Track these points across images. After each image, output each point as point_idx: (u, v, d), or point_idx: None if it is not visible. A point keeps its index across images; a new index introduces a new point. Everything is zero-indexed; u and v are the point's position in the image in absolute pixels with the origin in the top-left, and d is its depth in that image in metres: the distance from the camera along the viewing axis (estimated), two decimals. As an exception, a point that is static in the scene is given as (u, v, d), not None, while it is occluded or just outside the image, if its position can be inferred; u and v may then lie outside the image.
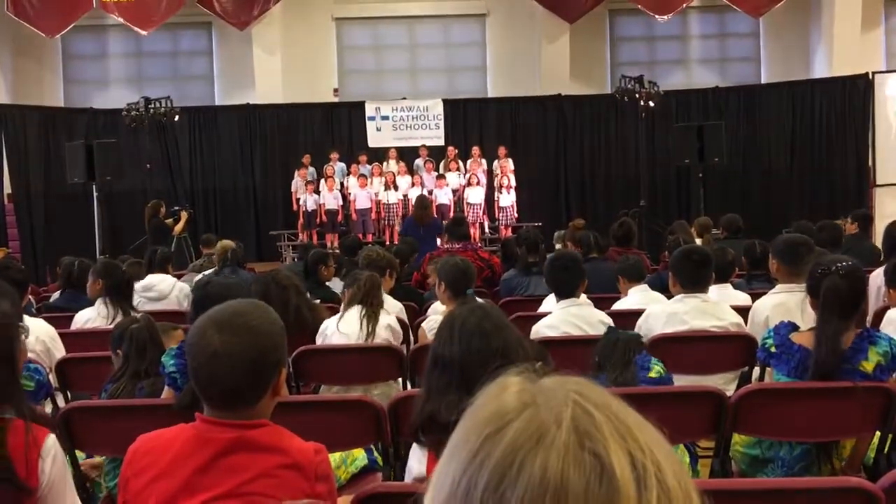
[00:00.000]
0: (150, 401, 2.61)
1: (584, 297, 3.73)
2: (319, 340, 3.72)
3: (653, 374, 2.64)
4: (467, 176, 12.95)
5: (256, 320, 1.57)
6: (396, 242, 9.55)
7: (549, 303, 4.28)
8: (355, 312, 3.67)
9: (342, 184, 13.18)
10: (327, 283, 5.28)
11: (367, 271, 4.45)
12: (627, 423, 0.54)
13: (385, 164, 13.39)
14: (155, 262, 5.84)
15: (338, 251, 10.41)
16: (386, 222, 12.74)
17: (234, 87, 14.56)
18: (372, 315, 3.64)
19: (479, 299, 3.68)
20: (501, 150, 13.36)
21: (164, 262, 5.93)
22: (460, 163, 13.32)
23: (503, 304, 4.89)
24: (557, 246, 7.70)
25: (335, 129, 14.69)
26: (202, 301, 2.84)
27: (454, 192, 12.96)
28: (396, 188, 12.76)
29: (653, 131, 14.08)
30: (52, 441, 1.71)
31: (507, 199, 12.83)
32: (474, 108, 14.69)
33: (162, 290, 5.64)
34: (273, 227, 13.80)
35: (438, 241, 10.25)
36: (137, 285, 5.51)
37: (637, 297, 4.31)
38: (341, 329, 3.63)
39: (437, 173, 13.09)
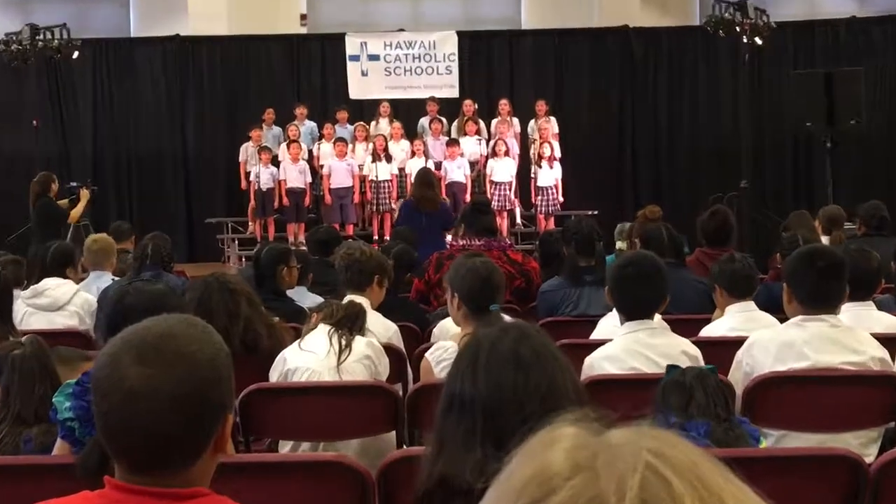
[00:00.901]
0: (41, 458, 2.63)
1: (658, 318, 3.73)
2: (274, 377, 3.74)
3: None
4: (492, 143, 12.98)
5: (193, 345, 1.58)
6: (389, 237, 9.57)
7: (607, 325, 4.27)
8: (324, 330, 3.70)
9: (311, 152, 13.26)
10: (288, 293, 5.30)
11: (348, 279, 4.48)
12: (721, 495, 0.54)
13: (374, 124, 13.45)
14: (50, 262, 5.86)
15: (304, 248, 10.45)
16: (374, 207, 12.80)
17: (157, 12, 14.67)
18: (345, 339, 3.67)
19: (507, 318, 3.69)
20: (541, 106, 13.38)
21: (63, 261, 5.94)
22: (481, 123, 13.37)
23: (542, 326, 4.90)
24: (620, 245, 7.70)
25: (301, 74, 14.78)
26: (116, 317, 2.85)
27: (472, 164, 13.01)
28: (389, 159, 12.81)
29: (759, 81, 14.08)
30: None
31: (549, 175, 12.85)
32: (502, 46, 14.75)
33: (56, 297, 5.67)
34: (212, 212, 13.90)
35: (449, 235, 10.30)
36: (21, 293, 5.53)
37: (736, 318, 4.30)
38: (305, 346, 3.66)
39: (447, 138, 13.13)
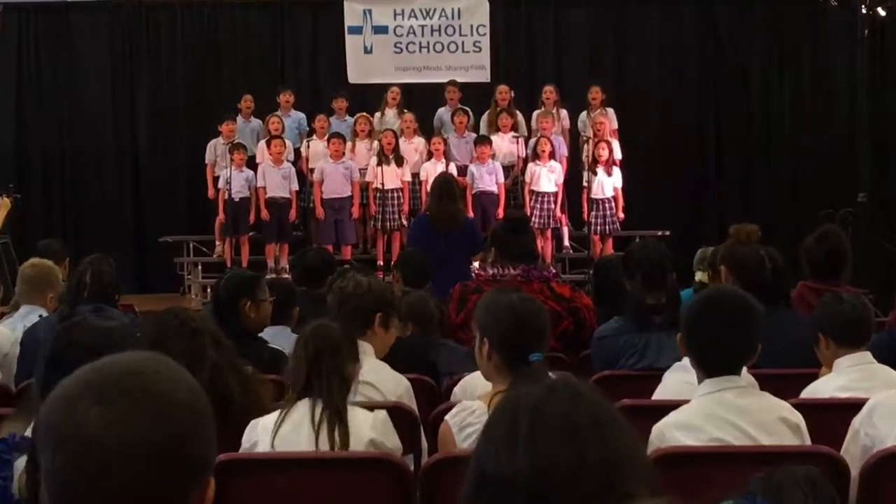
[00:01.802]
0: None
1: (745, 373, 3.72)
2: (246, 445, 3.74)
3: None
4: (533, 141, 13.02)
5: (165, 384, 1.60)
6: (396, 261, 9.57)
7: (676, 380, 4.26)
8: (304, 411, 3.68)
9: (298, 151, 13.34)
10: (259, 335, 5.32)
11: (342, 320, 4.47)
12: None
13: (379, 116, 13.53)
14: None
15: (287, 275, 10.43)
16: (379, 224, 12.85)
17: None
18: (336, 418, 3.64)
19: (553, 376, 3.68)
20: (596, 93, 13.44)
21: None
22: (519, 116, 13.42)
23: (597, 381, 4.89)
24: (700, 276, 7.67)
25: (287, 51, 14.90)
26: (62, 355, 2.89)
27: (507, 169, 13.05)
28: (400, 161, 12.86)
29: (883, 64, 14.04)
30: None
31: (607, 184, 12.87)
32: (547, 18, 14.84)
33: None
34: (169, 228, 14.00)
35: (476, 261, 10.24)
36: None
37: (849, 375, 4.28)
38: (279, 444, 3.62)
39: (475, 135, 13.18)
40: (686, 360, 4.45)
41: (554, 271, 6.96)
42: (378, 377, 4.36)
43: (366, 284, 4.70)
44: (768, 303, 5.33)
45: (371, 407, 3.85)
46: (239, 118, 13.52)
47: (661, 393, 4.39)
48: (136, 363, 1.63)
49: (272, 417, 3.70)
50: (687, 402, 3.70)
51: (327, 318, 4.15)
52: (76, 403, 1.56)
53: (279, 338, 5.38)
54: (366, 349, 4.34)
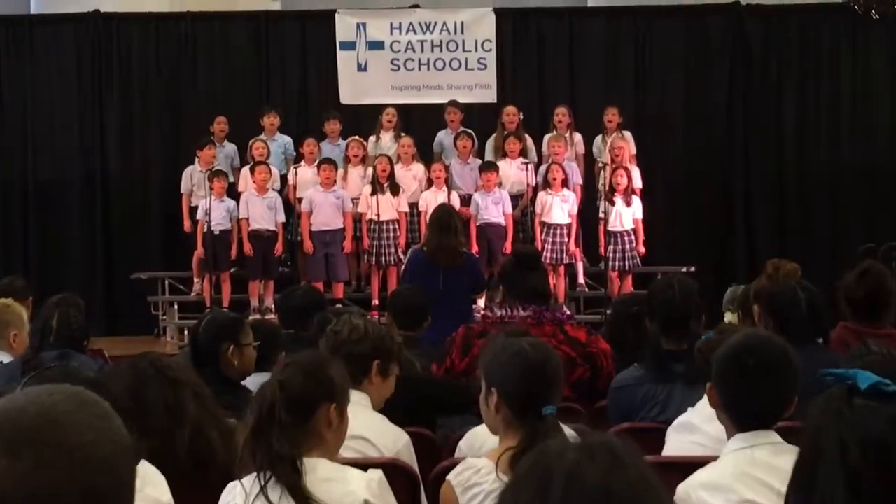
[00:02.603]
0: None
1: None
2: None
3: None
4: (544, 168, 13.06)
5: (86, 434, 1.60)
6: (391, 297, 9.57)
7: (702, 432, 4.27)
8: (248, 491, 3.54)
9: (285, 179, 13.38)
10: (242, 383, 5.33)
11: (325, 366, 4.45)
12: None
13: (374, 140, 13.58)
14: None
15: (273, 316, 10.39)
16: (373, 258, 12.88)
17: (69, -20, 14.86)
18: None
19: (567, 429, 3.69)
20: (613, 116, 13.49)
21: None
22: (529, 141, 13.47)
23: (615, 435, 4.88)
24: (730, 318, 7.67)
25: (273, 69, 14.91)
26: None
27: (515, 198, 13.10)
28: (396, 190, 12.91)
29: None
30: None
31: (626, 215, 12.89)
32: (560, 30, 14.88)
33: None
34: (142, 263, 14.01)
35: (480, 300, 10.23)
36: None
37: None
38: None
39: (479, 161, 13.23)
40: (689, 416, 4.46)
41: (568, 312, 6.94)
42: (374, 431, 4.36)
43: (362, 329, 4.69)
44: (805, 342, 5.35)
45: (365, 465, 3.82)
46: (216, 142, 13.54)
47: (688, 443, 4.38)
48: (55, 408, 1.60)
49: (250, 482, 3.53)
50: (715, 458, 3.71)
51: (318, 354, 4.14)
52: None
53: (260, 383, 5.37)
54: (361, 400, 4.35)
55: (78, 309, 6.51)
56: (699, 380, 4.11)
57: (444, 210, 9.76)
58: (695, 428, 3.83)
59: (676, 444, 4.36)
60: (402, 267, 11.86)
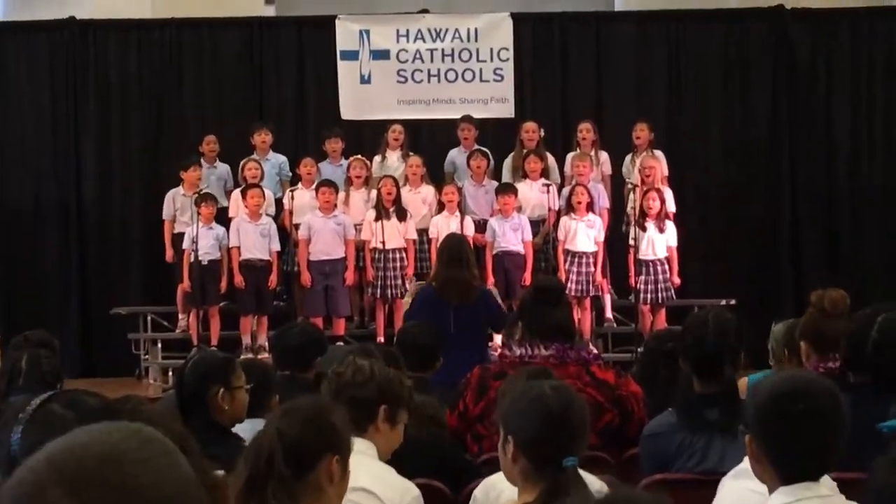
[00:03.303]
0: None
1: (827, 479, 3.70)
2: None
3: None
4: (567, 190, 13.06)
5: (149, 475, 1.63)
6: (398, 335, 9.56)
7: (739, 488, 4.24)
8: None
9: (280, 203, 13.41)
10: (237, 429, 5.33)
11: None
12: None
13: (380, 158, 13.61)
14: None
15: (266, 355, 10.34)
16: (378, 290, 12.87)
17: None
18: None
19: (595, 480, 3.66)
20: (643, 133, 13.51)
21: None
22: (551, 160, 13.49)
23: (648, 487, 4.88)
24: (774, 367, 7.64)
25: (266, 80, 14.94)
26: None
27: (536, 224, 13.10)
28: (403, 215, 12.92)
29: None
30: None
31: (659, 242, 12.87)
32: (585, 36, 14.92)
33: None
34: (121, 298, 14.03)
35: (497, 336, 10.17)
36: None
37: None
38: None
39: (496, 183, 13.25)
40: (747, 463, 4.44)
41: (595, 352, 6.97)
42: (380, 484, 4.34)
43: (368, 371, 4.68)
44: (863, 387, 5.33)
45: (370, 523, 3.82)
46: (204, 162, 13.56)
47: (727, 497, 4.36)
48: (118, 446, 1.64)
49: None
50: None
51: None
52: (46, 491, 1.57)
53: (254, 433, 5.37)
54: (367, 449, 4.34)
55: (50, 348, 6.50)
56: (734, 427, 4.09)
57: (453, 240, 9.74)
58: (751, 474, 3.82)
59: (732, 491, 4.32)
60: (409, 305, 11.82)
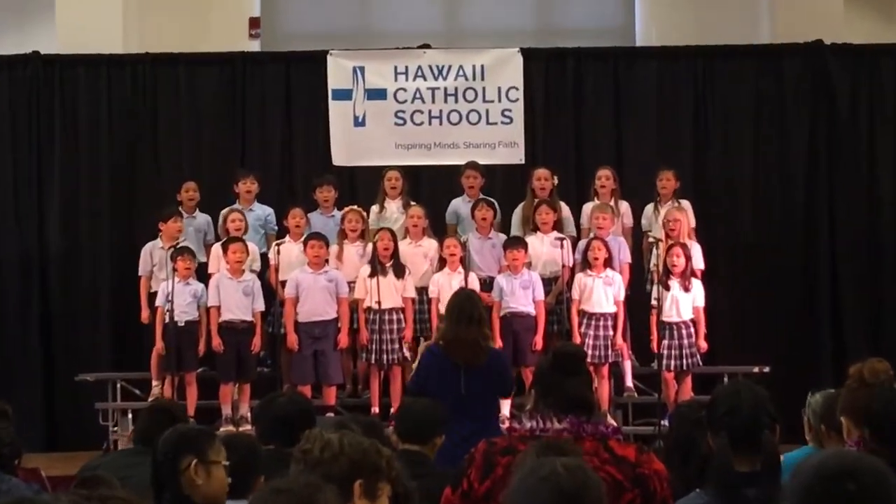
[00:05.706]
0: None
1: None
2: None
3: None
4: (583, 244, 13.07)
5: None
6: (396, 411, 9.56)
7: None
8: None
9: (265, 258, 13.42)
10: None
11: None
12: None
13: (378, 209, 13.64)
14: None
15: (249, 427, 10.32)
16: (373, 355, 12.85)
17: (8, 19, 15.07)
18: None
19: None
20: (668, 181, 13.55)
21: None
22: (565, 210, 13.54)
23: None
24: (811, 442, 7.64)
25: (249, 121, 15.00)
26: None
27: (549, 281, 13.12)
28: (401, 272, 12.92)
29: None
30: None
31: (684, 302, 12.86)
32: (603, 74, 14.97)
33: None
34: (88, 363, 14.03)
35: (505, 407, 10.14)
36: None
37: None
38: None
39: (504, 236, 13.27)
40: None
41: (613, 424, 6.92)
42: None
43: (336, 445, 4.67)
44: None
45: None
46: (182, 212, 13.54)
47: None
48: None
49: None
50: None
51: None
52: None
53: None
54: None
55: (7, 419, 6.51)
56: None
57: (464, 295, 9.74)
58: None
59: None
60: (410, 367, 11.73)
